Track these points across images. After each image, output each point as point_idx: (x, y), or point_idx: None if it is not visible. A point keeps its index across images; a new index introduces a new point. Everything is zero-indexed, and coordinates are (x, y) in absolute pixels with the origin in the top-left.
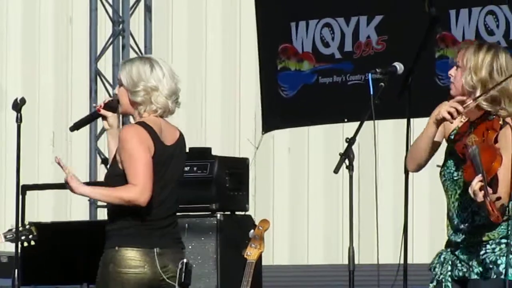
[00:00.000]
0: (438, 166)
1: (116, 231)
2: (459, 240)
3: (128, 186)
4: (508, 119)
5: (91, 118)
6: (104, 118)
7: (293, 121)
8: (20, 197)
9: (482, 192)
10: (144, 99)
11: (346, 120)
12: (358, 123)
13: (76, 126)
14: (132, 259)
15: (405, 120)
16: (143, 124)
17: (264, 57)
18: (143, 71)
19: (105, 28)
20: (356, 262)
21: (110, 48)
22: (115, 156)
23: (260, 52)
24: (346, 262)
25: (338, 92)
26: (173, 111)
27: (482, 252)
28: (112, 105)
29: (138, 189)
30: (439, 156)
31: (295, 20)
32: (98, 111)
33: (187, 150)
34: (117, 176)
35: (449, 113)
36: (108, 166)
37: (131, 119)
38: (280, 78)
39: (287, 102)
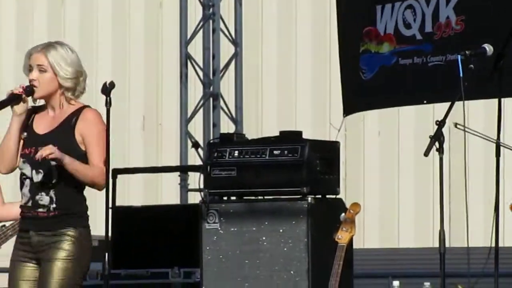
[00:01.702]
0: None
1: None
2: None
3: (95, 167)
4: None
5: (10, 101)
6: (19, 102)
7: (372, 103)
8: (111, 181)
9: None
10: (74, 84)
11: (425, 101)
12: (447, 105)
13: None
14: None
15: (495, 101)
16: None
17: (346, 40)
18: (73, 57)
19: (195, 12)
20: (446, 245)
21: (201, 32)
22: (70, 137)
23: (341, 36)
24: (436, 245)
25: (418, 74)
26: None
27: None
28: (30, 90)
29: (103, 172)
30: None
31: (381, 3)
32: (21, 93)
33: (278, 134)
34: (79, 156)
35: None
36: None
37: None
38: (362, 61)
39: (366, 84)
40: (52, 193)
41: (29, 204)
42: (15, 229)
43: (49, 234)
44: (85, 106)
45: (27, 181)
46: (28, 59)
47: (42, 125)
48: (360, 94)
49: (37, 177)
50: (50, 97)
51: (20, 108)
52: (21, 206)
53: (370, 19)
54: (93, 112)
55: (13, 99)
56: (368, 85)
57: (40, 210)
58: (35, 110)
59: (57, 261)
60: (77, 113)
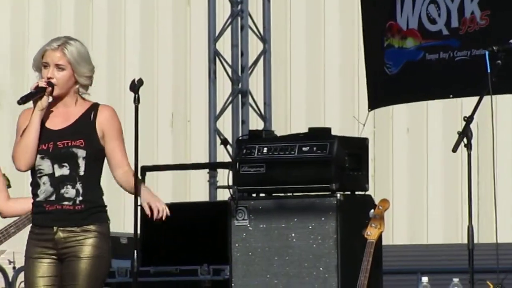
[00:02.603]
0: None
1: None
2: None
3: (130, 173)
4: None
5: (37, 93)
6: (43, 96)
7: (397, 98)
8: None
9: None
10: (90, 81)
11: (451, 96)
12: (475, 101)
13: (23, 100)
14: None
15: None
16: None
17: (370, 35)
18: (87, 53)
19: (223, 9)
20: (475, 241)
21: (229, 29)
22: (91, 132)
23: (365, 30)
24: (465, 241)
25: (445, 69)
26: None
27: None
28: (50, 86)
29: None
30: None
31: None
32: (46, 86)
33: (307, 130)
34: (98, 151)
35: None
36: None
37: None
38: (386, 55)
39: (391, 79)
40: (78, 185)
41: (52, 198)
42: (17, 227)
43: (76, 229)
44: (97, 103)
45: (45, 178)
46: (41, 56)
47: (55, 121)
48: (385, 88)
49: (61, 171)
50: (65, 94)
51: (44, 102)
52: (40, 202)
53: (391, 13)
54: (111, 108)
55: (40, 91)
56: (393, 79)
57: (66, 203)
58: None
59: (86, 258)
60: (93, 109)
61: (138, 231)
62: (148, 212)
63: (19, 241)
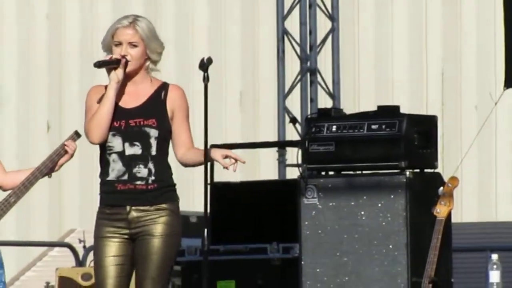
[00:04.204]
0: None
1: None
2: None
3: (198, 150)
4: None
5: (116, 61)
6: (117, 67)
7: None
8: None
9: None
10: (160, 57)
11: None
12: None
13: (99, 64)
14: None
15: None
16: None
17: None
18: (155, 30)
19: None
20: None
21: (297, 7)
22: (163, 111)
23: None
24: None
25: None
26: None
27: None
28: (126, 62)
29: None
30: None
31: None
32: (121, 59)
33: (376, 108)
34: (167, 132)
35: None
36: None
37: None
38: None
39: None
40: (150, 165)
41: (125, 177)
42: (17, 195)
43: (150, 208)
44: (167, 83)
45: (115, 155)
46: (112, 35)
47: (126, 99)
48: None
49: (131, 150)
50: (137, 72)
51: (119, 74)
52: (111, 181)
53: None
54: (181, 89)
55: (115, 62)
56: None
57: (138, 183)
58: (106, 86)
59: (159, 236)
60: (164, 88)
61: (208, 210)
62: (223, 163)
63: (90, 220)
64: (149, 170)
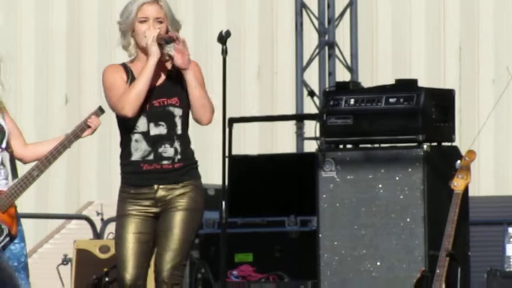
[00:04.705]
0: None
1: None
2: None
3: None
4: None
5: (170, 40)
6: (166, 43)
7: None
8: (227, 130)
9: None
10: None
11: None
12: None
13: (167, 41)
14: None
15: None
16: None
17: None
18: None
19: None
20: None
21: None
22: (184, 87)
23: None
24: None
25: None
26: None
27: None
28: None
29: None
30: None
31: None
32: (176, 36)
33: (394, 82)
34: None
35: None
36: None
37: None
38: None
39: None
40: (176, 144)
41: (150, 157)
42: (40, 169)
43: (176, 186)
44: None
45: (138, 135)
46: (137, 11)
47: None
48: None
49: (157, 130)
50: None
51: (159, 52)
52: (135, 161)
53: None
54: (194, 62)
55: (174, 38)
56: None
57: (165, 162)
58: (125, 65)
59: (183, 210)
60: None
61: (226, 183)
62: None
63: (107, 193)
64: (175, 149)
